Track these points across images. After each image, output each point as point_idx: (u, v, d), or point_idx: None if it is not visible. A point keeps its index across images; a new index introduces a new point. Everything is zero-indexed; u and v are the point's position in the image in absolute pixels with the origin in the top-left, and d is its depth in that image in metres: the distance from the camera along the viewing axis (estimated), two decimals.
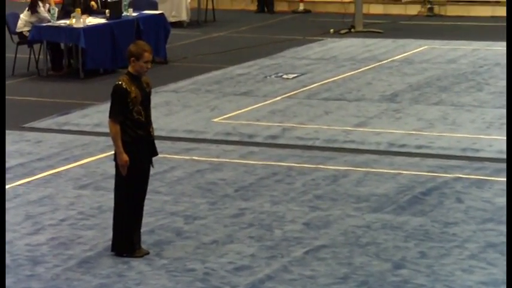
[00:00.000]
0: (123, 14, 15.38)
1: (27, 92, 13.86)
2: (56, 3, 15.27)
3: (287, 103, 12.81)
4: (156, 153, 7.63)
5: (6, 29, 15.10)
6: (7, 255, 7.63)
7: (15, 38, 15.03)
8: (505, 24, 19.33)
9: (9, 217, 8.53)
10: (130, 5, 15.78)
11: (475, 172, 9.63)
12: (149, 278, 7.19)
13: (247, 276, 7.19)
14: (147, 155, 7.52)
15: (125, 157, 7.34)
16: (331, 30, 18.53)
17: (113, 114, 7.41)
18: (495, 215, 8.42)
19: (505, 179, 9.30)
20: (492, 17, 20.26)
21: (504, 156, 10.13)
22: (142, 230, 7.67)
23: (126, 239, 7.49)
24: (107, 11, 15.29)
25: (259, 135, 11.24)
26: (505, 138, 10.77)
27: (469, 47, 16.62)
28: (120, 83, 7.43)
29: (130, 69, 7.51)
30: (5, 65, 14.52)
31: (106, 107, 12.88)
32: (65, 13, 15.06)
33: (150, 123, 7.54)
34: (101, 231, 8.14)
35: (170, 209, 8.67)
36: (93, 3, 15.46)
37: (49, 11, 14.93)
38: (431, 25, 19.49)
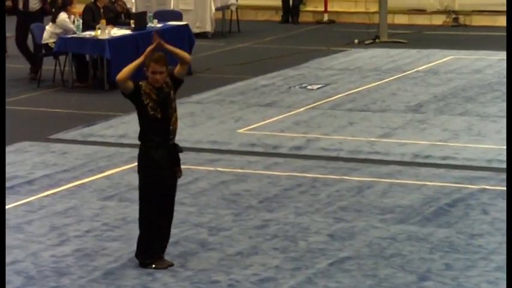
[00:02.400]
0: (147, 25, 15.45)
1: (52, 103, 13.94)
2: (79, 15, 15.34)
3: (311, 114, 12.81)
4: (177, 161, 7.49)
5: (32, 39, 15.23)
6: (32, 266, 7.69)
7: (41, 50, 15.11)
8: None
9: (35, 228, 8.59)
10: (155, 16, 15.88)
11: (500, 183, 9.58)
12: None
13: None
14: (167, 162, 7.45)
15: (148, 49, 7.23)
16: (356, 40, 18.52)
17: None
18: None
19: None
20: None
21: None
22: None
23: (145, 248, 7.50)
24: (132, 22, 15.37)
25: (284, 146, 11.25)
26: None
27: (494, 57, 16.57)
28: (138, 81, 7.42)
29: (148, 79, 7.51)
30: (5, 66, 14.61)
31: (130, 118, 12.99)
32: (87, 28, 15.10)
33: (170, 124, 7.40)
34: (126, 242, 8.17)
35: (194, 220, 8.69)
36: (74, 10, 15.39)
37: (74, 22, 15.02)
38: (456, 35, 19.44)
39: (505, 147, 10.90)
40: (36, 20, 15.24)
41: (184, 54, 7.60)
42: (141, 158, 7.49)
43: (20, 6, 15.34)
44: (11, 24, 16.20)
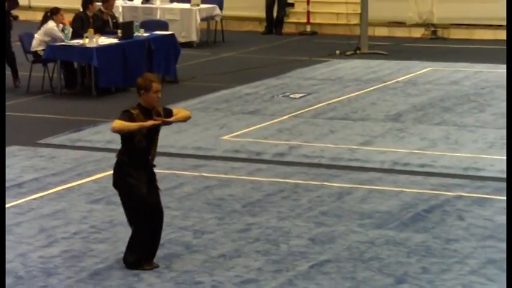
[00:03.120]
0: (134, 34, 15.49)
1: (41, 109, 13.96)
2: (69, 24, 15.36)
3: (294, 122, 12.88)
4: (153, 181, 7.58)
5: (22, 48, 15.25)
6: (21, 266, 7.72)
7: (30, 57, 15.14)
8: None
9: (23, 230, 8.62)
10: (141, 26, 15.92)
11: (476, 191, 9.68)
12: None
13: None
14: (146, 177, 7.52)
15: (148, 122, 7.32)
16: (337, 51, 18.61)
17: (115, 120, 7.38)
18: (495, 232, 8.47)
19: (505, 198, 9.36)
20: (494, 40, 20.34)
21: (505, 175, 10.19)
22: None
23: (136, 254, 7.58)
24: (119, 31, 15.41)
25: (267, 152, 11.32)
26: (505, 157, 10.85)
27: (471, 69, 16.68)
28: (128, 108, 7.47)
29: (141, 101, 7.50)
30: (5, 66, 14.60)
31: None
32: (75, 35, 15.13)
33: (150, 153, 7.53)
34: (112, 244, 8.22)
35: (179, 224, 8.74)
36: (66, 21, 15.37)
37: (63, 30, 15.05)
38: (434, 48, 19.56)
39: (482, 156, 11.01)
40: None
41: (186, 116, 7.65)
42: (119, 172, 7.55)
43: None
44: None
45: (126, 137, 7.42)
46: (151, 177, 7.63)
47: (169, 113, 7.62)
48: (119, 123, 7.34)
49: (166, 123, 7.52)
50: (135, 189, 7.46)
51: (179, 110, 7.77)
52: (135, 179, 7.45)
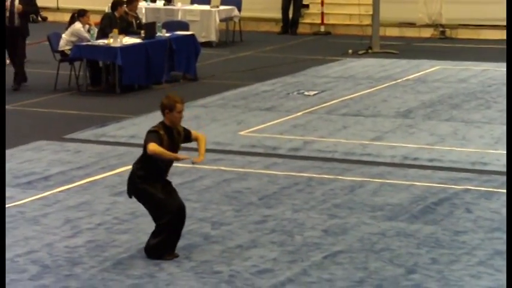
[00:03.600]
0: (157, 35, 15.45)
1: (67, 105, 13.92)
2: (95, 25, 15.37)
3: (308, 118, 12.79)
4: (169, 184, 7.56)
5: (50, 47, 15.22)
6: (47, 256, 7.68)
7: (57, 56, 15.12)
8: None
9: (50, 221, 8.57)
10: (163, 26, 15.87)
11: (483, 184, 9.56)
12: (178, 279, 7.19)
13: (270, 279, 7.17)
14: (160, 186, 7.48)
15: (182, 156, 7.33)
16: (350, 51, 18.50)
17: (149, 141, 7.30)
18: (502, 224, 8.36)
19: (506, 198, 9.27)
20: (500, 40, 20.16)
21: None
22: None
23: (161, 248, 7.53)
24: (142, 31, 15.38)
25: (282, 147, 11.23)
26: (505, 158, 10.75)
27: (478, 67, 16.55)
28: (155, 128, 7.40)
29: (165, 120, 7.45)
30: (5, 66, 14.57)
31: (140, 120, 12.98)
32: (102, 34, 15.16)
33: (167, 171, 7.51)
34: (134, 234, 8.16)
35: (198, 216, 8.67)
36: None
37: (89, 31, 15.03)
38: (443, 47, 19.42)
39: (489, 151, 10.89)
40: (20, 34, 14.81)
41: (206, 142, 7.73)
42: (133, 183, 7.51)
43: (6, 22, 14.87)
44: (37, 31, 16.11)
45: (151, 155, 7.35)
46: (166, 183, 7.59)
47: (188, 134, 7.60)
48: (156, 148, 7.27)
49: (197, 163, 7.48)
50: (154, 197, 7.44)
51: (197, 133, 7.74)
52: (151, 187, 7.42)
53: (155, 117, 13.10)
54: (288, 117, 12.82)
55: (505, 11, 18.78)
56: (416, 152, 10.92)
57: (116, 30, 14.79)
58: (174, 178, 9.88)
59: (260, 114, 13.04)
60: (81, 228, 8.40)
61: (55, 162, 10.58)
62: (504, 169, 10.11)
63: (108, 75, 15.32)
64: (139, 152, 10.98)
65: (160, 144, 7.33)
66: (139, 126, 12.48)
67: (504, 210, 8.72)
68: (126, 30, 15.48)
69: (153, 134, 7.37)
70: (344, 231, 8.24)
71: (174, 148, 7.47)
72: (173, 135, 7.48)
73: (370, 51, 18.42)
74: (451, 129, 12.00)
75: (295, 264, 7.46)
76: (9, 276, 7.16)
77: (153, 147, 7.28)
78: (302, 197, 9.25)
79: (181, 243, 7.85)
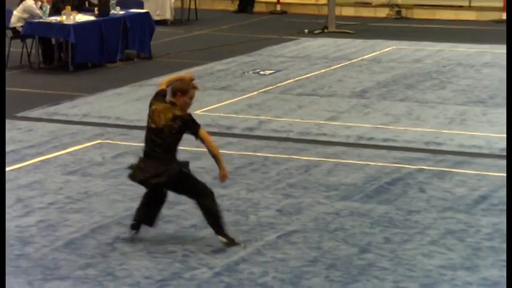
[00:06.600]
0: (110, 12, 15.31)
1: (19, 83, 13.76)
2: (47, 1, 15.18)
3: (263, 97, 12.79)
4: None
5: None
6: None
7: (9, 33, 14.93)
8: (468, 27, 19.44)
9: None
10: (117, 4, 15.73)
11: (436, 164, 9.66)
12: (131, 259, 7.17)
13: (224, 258, 7.18)
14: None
15: (224, 168, 7.30)
16: (306, 30, 18.52)
17: (200, 127, 7.16)
18: (454, 204, 8.46)
19: (465, 171, 9.37)
20: (455, 20, 20.33)
21: (464, 149, 10.20)
22: (126, 214, 7.66)
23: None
24: (96, 8, 15.24)
25: (237, 127, 11.23)
26: (471, 133, 10.85)
27: (433, 48, 16.67)
28: (190, 115, 7.22)
29: (175, 100, 7.23)
30: (5, 64, 14.45)
31: (94, 98, 12.89)
32: (55, 10, 15.00)
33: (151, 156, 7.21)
34: (87, 214, 8.11)
35: None
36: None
37: (41, 8, 14.85)
38: (398, 27, 19.52)
39: (443, 131, 10.99)
40: None
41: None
42: (177, 168, 7.32)
43: None
44: None
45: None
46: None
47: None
48: (210, 137, 7.19)
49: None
50: (190, 175, 7.36)
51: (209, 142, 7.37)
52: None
53: (108, 96, 13.09)
54: (243, 97, 12.81)
55: None
56: (371, 132, 10.98)
57: (68, 7, 14.64)
58: (128, 157, 9.87)
59: (215, 94, 13.02)
60: (32, 207, 8.32)
61: (6, 141, 10.45)
62: (457, 149, 10.23)
63: (60, 52, 15.18)
64: (92, 130, 10.99)
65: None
66: (92, 104, 12.40)
67: (457, 190, 8.83)
68: (79, 8, 15.32)
69: (195, 121, 7.18)
70: (298, 210, 8.27)
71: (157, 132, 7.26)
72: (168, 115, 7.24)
73: (326, 30, 18.46)
74: (405, 109, 12.09)
75: (250, 243, 7.47)
76: None
77: (215, 144, 7.19)
78: (257, 176, 9.26)
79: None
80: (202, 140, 7.20)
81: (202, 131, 7.21)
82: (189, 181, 7.35)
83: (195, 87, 7.35)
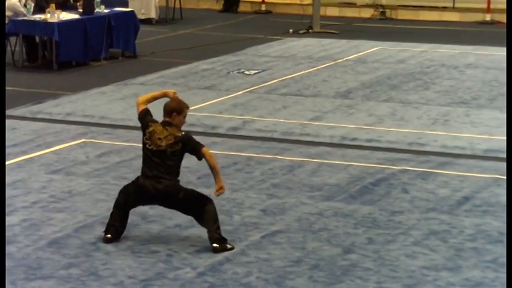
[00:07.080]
0: (95, 11, 15.28)
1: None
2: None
3: (248, 97, 12.80)
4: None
5: None
6: None
7: None
8: (451, 28, 19.52)
9: None
10: (102, 2, 15.69)
11: (420, 165, 9.69)
12: (115, 259, 7.15)
13: (207, 259, 7.18)
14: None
15: (221, 183, 7.38)
16: (291, 30, 18.54)
17: (202, 145, 7.37)
18: (438, 205, 8.49)
19: (448, 172, 9.40)
20: (439, 21, 20.41)
21: (447, 150, 10.24)
22: (107, 214, 7.64)
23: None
24: (79, 4, 15.21)
25: (221, 126, 11.23)
26: (454, 134, 10.90)
27: (417, 48, 16.73)
28: (186, 133, 7.44)
29: (172, 121, 7.46)
30: (5, 63, 14.38)
31: (77, 97, 12.85)
32: (39, 8, 14.94)
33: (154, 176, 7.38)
34: (71, 213, 8.09)
35: None
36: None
37: (25, 5, 14.79)
38: (383, 28, 19.58)
39: (426, 132, 11.03)
40: None
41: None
42: (179, 185, 7.52)
43: None
44: None
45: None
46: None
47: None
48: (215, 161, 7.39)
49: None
50: (188, 189, 7.54)
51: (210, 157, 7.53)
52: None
53: (93, 95, 13.05)
54: (228, 97, 12.81)
55: None
56: (355, 132, 11.01)
57: (53, 5, 14.59)
58: (112, 156, 9.85)
59: (200, 93, 13.01)
60: (16, 206, 8.29)
61: None
62: (440, 150, 10.27)
63: (44, 51, 15.13)
64: (76, 129, 10.95)
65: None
66: (76, 103, 12.36)
67: (440, 191, 8.86)
68: (63, 6, 15.27)
69: (196, 141, 7.39)
70: (282, 211, 8.28)
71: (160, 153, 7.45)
72: (168, 137, 7.48)
73: (310, 30, 18.49)
74: (389, 110, 12.12)
75: (233, 244, 7.47)
76: None
77: (210, 154, 7.37)
78: (241, 176, 9.26)
79: None
80: (206, 158, 7.37)
81: (205, 149, 7.38)
82: (190, 193, 7.50)
83: (187, 107, 7.63)
